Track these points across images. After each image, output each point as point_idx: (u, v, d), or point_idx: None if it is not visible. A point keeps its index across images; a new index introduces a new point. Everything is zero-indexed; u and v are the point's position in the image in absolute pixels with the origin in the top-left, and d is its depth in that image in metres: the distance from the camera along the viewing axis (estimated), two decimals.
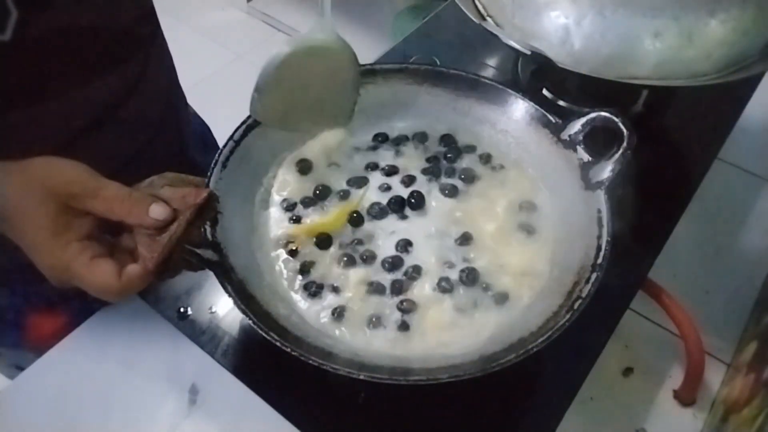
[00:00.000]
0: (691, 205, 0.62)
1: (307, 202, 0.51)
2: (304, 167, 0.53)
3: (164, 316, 0.52)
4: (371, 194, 0.52)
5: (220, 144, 0.50)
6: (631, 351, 0.58)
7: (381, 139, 0.56)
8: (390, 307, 0.46)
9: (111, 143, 0.53)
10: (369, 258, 0.48)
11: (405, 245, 0.49)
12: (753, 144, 0.78)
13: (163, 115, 0.60)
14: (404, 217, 0.51)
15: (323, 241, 0.48)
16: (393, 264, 0.47)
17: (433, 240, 0.49)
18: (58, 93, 0.46)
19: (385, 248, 0.49)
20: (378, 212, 0.50)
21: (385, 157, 0.55)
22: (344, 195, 0.52)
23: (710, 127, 0.70)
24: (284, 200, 0.51)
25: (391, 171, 0.53)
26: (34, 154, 0.38)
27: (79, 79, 0.47)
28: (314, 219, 0.50)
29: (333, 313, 0.45)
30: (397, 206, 0.51)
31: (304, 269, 0.47)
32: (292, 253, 0.48)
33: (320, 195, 0.51)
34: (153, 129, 0.58)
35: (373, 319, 0.45)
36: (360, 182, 0.52)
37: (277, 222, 0.50)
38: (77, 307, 0.56)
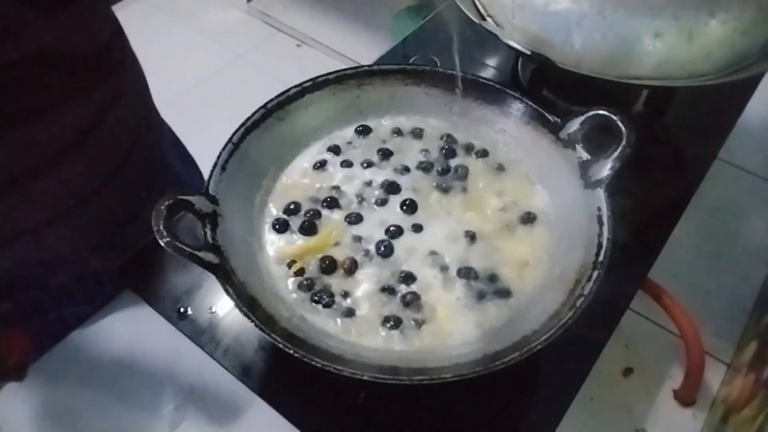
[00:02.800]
0: (691, 205, 0.62)
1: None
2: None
3: (164, 316, 0.52)
4: (368, 192, 0.52)
5: (197, 159, 0.49)
6: (631, 351, 0.58)
7: (361, 129, 0.57)
8: (397, 306, 0.46)
9: (83, 167, 0.52)
10: (369, 256, 0.48)
11: (396, 234, 0.50)
12: (753, 144, 0.78)
13: (137, 134, 0.59)
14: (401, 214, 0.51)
15: (328, 265, 0.48)
16: (386, 251, 0.48)
17: (428, 237, 0.50)
18: (25, 121, 0.45)
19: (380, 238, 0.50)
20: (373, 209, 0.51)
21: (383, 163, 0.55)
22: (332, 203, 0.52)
23: (710, 127, 0.70)
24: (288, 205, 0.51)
25: (389, 183, 0.54)
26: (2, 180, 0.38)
27: (47, 106, 0.46)
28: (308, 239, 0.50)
29: (341, 315, 0.45)
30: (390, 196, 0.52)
31: (303, 273, 0.47)
32: (292, 263, 0.48)
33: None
34: (127, 149, 0.57)
35: (383, 319, 0.45)
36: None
37: (273, 242, 0.50)
38: (41, 325, 0.56)
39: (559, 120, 0.51)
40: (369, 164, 0.55)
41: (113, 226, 0.59)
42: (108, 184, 0.55)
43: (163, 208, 0.41)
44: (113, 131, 0.54)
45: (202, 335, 0.51)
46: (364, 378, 0.37)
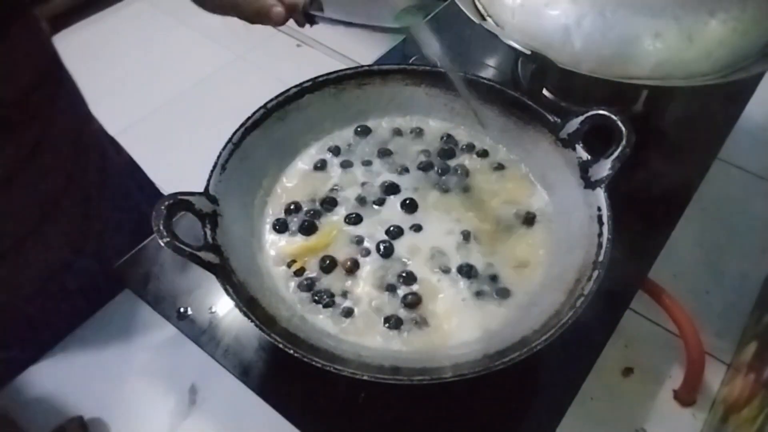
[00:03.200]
0: (691, 205, 0.62)
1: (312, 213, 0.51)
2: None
3: (164, 316, 0.52)
4: (369, 191, 0.52)
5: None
6: (631, 351, 0.58)
7: (360, 129, 0.57)
8: (397, 306, 0.46)
9: (4, 214, 0.49)
10: (370, 256, 0.48)
11: (396, 234, 0.50)
12: (753, 144, 0.77)
13: (69, 175, 0.56)
14: (402, 212, 0.51)
15: (328, 265, 0.48)
16: (386, 251, 0.48)
17: (428, 236, 0.50)
18: None
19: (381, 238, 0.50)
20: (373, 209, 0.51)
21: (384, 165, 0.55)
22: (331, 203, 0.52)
23: (710, 127, 0.70)
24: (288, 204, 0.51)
25: (390, 184, 0.54)
26: None
27: None
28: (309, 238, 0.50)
29: (341, 315, 0.45)
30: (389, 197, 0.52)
31: (303, 273, 0.47)
32: (292, 263, 0.48)
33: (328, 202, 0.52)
34: (58, 191, 0.54)
35: (383, 319, 0.45)
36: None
37: (273, 242, 0.50)
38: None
39: (559, 120, 0.51)
40: (369, 164, 0.55)
41: (45, 274, 0.56)
42: (35, 233, 0.52)
43: (163, 208, 0.41)
44: (36, 180, 0.51)
45: (202, 335, 0.51)
46: (364, 378, 0.37)
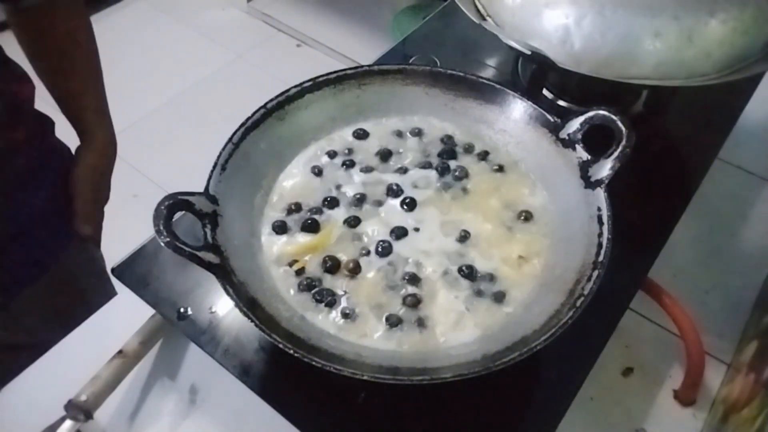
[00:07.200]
0: (691, 205, 0.62)
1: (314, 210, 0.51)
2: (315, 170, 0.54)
3: (164, 316, 0.52)
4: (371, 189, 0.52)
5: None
6: (631, 351, 0.58)
7: (360, 132, 0.57)
8: (397, 306, 0.46)
9: None
10: (370, 256, 0.48)
11: (399, 235, 0.49)
12: (753, 144, 0.78)
13: None
14: (402, 211, 0.51)
15: (330, 265, 0.48)
16: (385, 251, 0.48)
17: (428, 237, 0.50)
18: None
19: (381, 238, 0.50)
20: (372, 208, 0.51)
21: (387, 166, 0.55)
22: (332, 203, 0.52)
23: (710, 127, 0.70)
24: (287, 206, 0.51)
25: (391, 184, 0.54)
26: None
27: None
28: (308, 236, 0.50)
29: (341, 315, 0.45)
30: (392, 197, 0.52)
31: (304, 273, 0.48)
32: (294, 263, 0.48)
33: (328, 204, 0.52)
34: None
35: (383, 319, 0.45)
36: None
37: (272, 242, 0.49)
38: None
39: (559, 120, 0.51)
40: (369, 165, 0.55)
41: None
42: None
43: (163, 208, 0.41)
44: None
45: (202, 335, 0.51)
46: (364, 378, 0.37)
